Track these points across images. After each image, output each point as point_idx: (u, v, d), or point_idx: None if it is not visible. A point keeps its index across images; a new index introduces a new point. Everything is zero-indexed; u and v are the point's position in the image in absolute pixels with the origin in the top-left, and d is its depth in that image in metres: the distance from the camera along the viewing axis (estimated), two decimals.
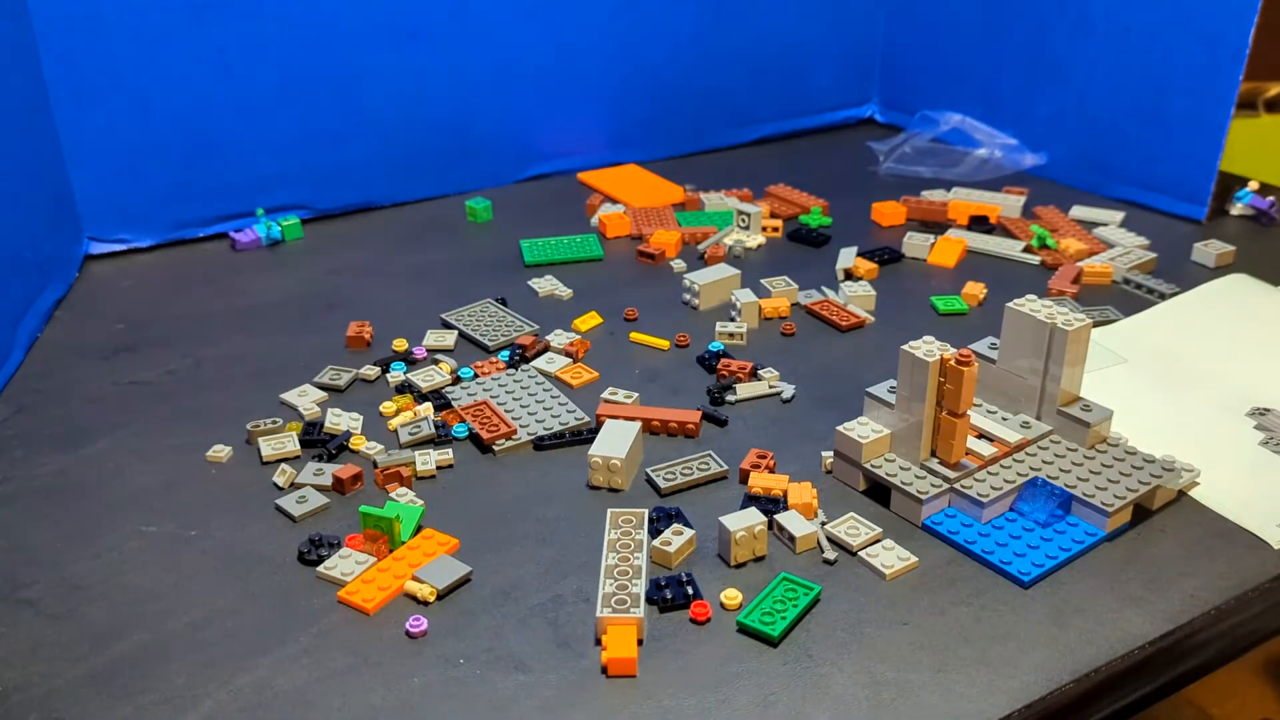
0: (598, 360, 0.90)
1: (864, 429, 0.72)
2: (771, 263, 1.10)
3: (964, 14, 1.39)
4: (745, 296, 0.96)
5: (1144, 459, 0.71)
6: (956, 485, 0.69)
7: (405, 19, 1.18)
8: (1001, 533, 0.68)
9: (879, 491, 0.72)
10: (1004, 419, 0.75)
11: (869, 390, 0.73)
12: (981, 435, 0.73)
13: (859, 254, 1.08)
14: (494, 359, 0.89)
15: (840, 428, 0.73)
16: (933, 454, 0.71)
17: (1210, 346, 0.91)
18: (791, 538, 0.67)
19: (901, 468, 0.71)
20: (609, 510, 0.68)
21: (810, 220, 1.18)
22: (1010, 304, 0.73)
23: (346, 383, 0.86)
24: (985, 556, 0.66)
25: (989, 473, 0.70)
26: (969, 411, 0.70)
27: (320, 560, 0.66)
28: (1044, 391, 0.74)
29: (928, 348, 0.68)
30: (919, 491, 0.69)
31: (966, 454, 0.71)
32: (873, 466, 0.71)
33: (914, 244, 1.10)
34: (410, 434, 0.78)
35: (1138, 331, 0.93)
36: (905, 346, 0.69)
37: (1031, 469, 0.71)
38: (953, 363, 0.67)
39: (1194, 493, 0.72)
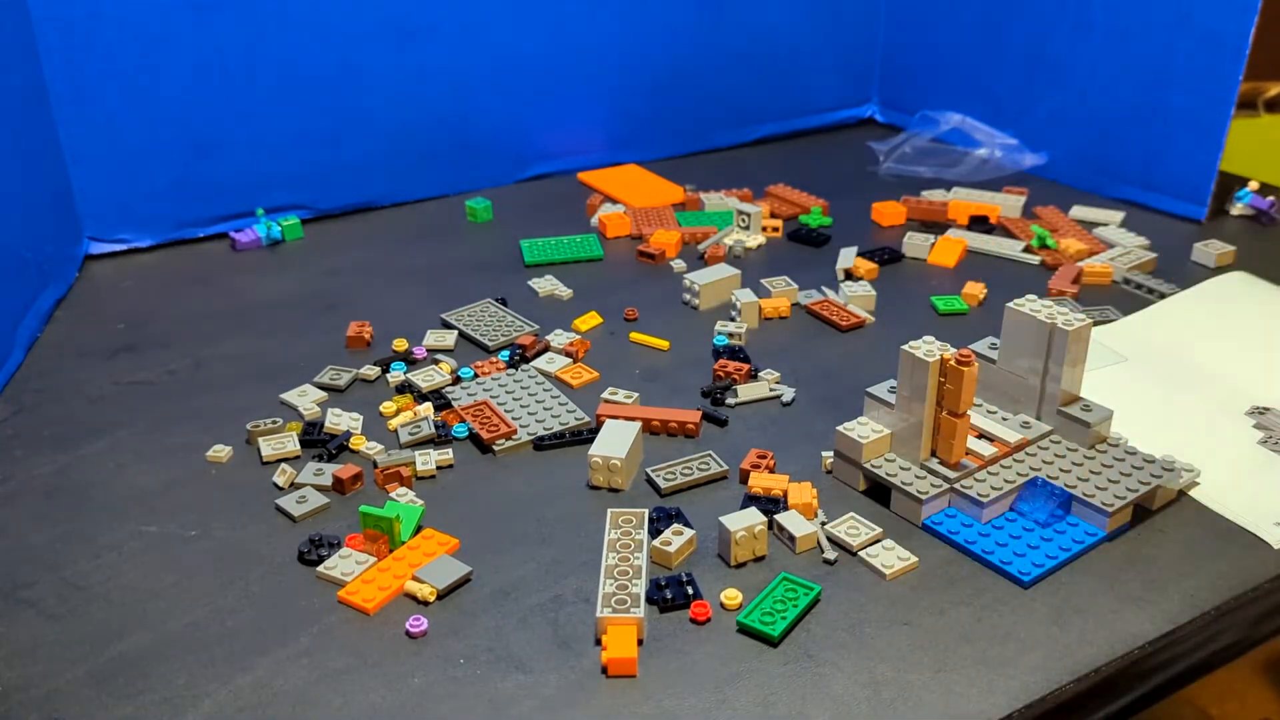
0: (598, 360, 0.90)
1: (864, 429, 0.72)
2: (771, 263, 1.10)
3: (964, 14, 1.39)
4: (745, 296, 0.96)
5: (1144, 459, 0.71)
6: (957, 485, 0.70)
7: (405, 19, 1.18)
8: (1001, 533, 0.68)
9: (879, 491, 0.72)
10: (1004, 419, 0.75)
11: (869, 390, 0.73)
12: (982, 435, 0.73)
13: (859, 254, 1.08)
14: (494, 359, 0.89)
15: (840, 428, 0.73)
16: (933, 454, 0.71)
17: (1210, 345, 0.91)
18: (792, 538, 0.67)
19: (902, 468, 0.71)
20: (609, 510, 0.68)
21: (810, 220, 1.18)
22: (1010, 304, 0.73)
23: (346, 383, 0.86)
24: (985, 556, 0.66)
25: (989, 473, 0.70)
26: (969, 411, 0.70)
27: (320, 560, 0.66)
28: (1044, 391, 0.74)
29: (928, 348, 0.68)
30: (919, 491, 0.69)
31: (966, 454, 0.71)
32: (873, 466, 0.71)
33: (914, 244, 1.10)
34: (410, 434, 0.78)
35: (1137, 330, 0.93)
36: (905, 346, 0.69)
37: (1032, 469, 0.71)
38: (953, 363, 0.67)
39: (1194, 492, 0.72)
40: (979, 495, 0.69)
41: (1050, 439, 0.73)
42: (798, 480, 0.72)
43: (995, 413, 0.75)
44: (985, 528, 0.68)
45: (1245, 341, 0.91)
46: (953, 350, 0.68)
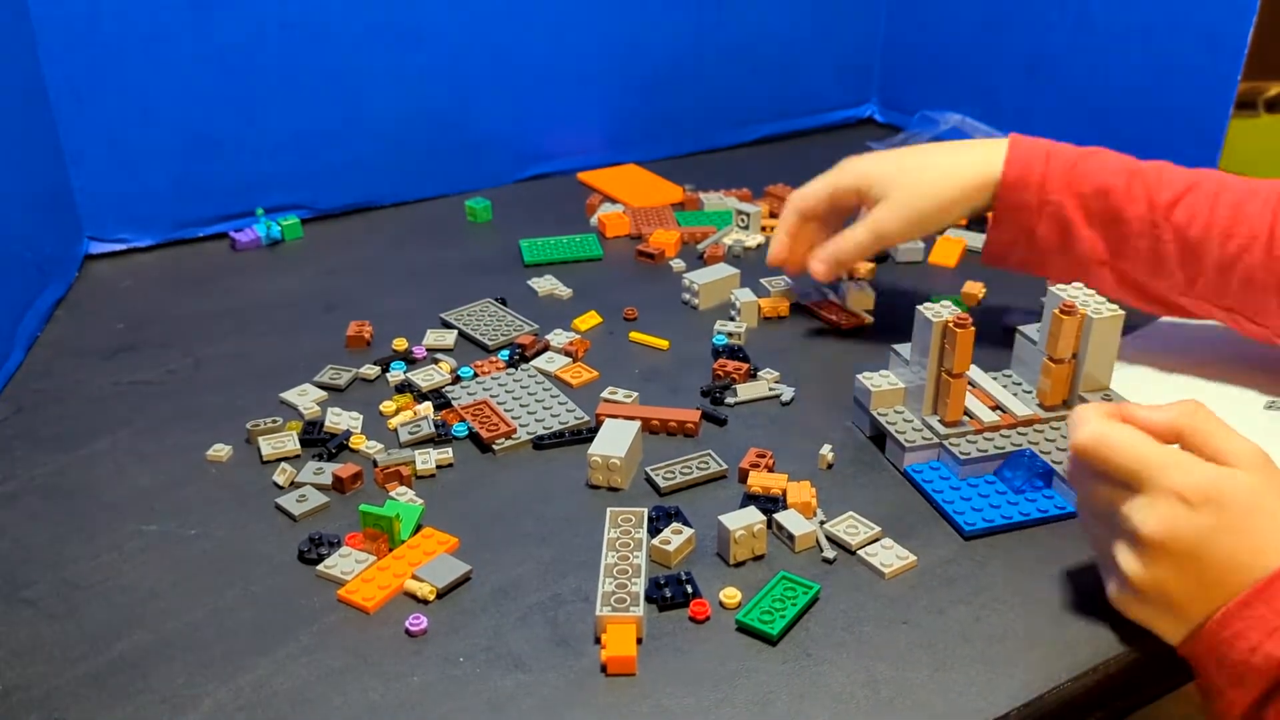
0: (597, 360, 0.90)
1: (879, 379, 0.77)
2: None
3: (964, 14, 1.39)
4: (745, 296, 0.96)
5: None
6: (945, 441, 0.73)
7: (405, 18, 1.18)
8: (972, 490, 0.71)
9: (884, 441, 0.76)
10: (1029, 393, 0.77)
11: (893, 347, 0.78)
12: (996, 407, 0.75)
13: None
14: (494, 358, 0.89)
15: (860, 375, 0.78)
16: (935, 412, 0.75)
17: (1213, 345, 0.91)
18: (791, 536, 0.67)
19: (904, 419, 0.75)
20: (608, 509, 0.68)
21: None
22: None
23: (346, 382, 0.86)
24: (944, 505, 0.69)
25: (984, 437, 0.73)
26: (991, 381, 0.76)
27: (320, 559, 0.66)
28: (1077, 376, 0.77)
29: (938, 309, 0.72)
30: (906, 440, 0.73)
31: (969, 417, 0.74)
32: (878, 414, 0.76)
33: (904, 247, 1.09)
34: (410, 433, 0.78)
35: (1141, 338, 0.93)
36: (920, 306, 0.73)
37: (1029, 442, 0.73)
38: (951, 325, 0.71)
39: None
40: (960, 453, 0.71)
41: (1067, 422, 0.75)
42: (796, 479, 0.72)
43: (1026, 389, 0.78)
44: (959, 483, 0.71)
45: (1248, 340, 0.91)
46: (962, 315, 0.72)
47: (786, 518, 0.68)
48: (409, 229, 1.19)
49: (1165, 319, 0.96)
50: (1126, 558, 0.55)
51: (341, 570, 0.65)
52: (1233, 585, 0.52)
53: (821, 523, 0.69)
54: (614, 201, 1.24)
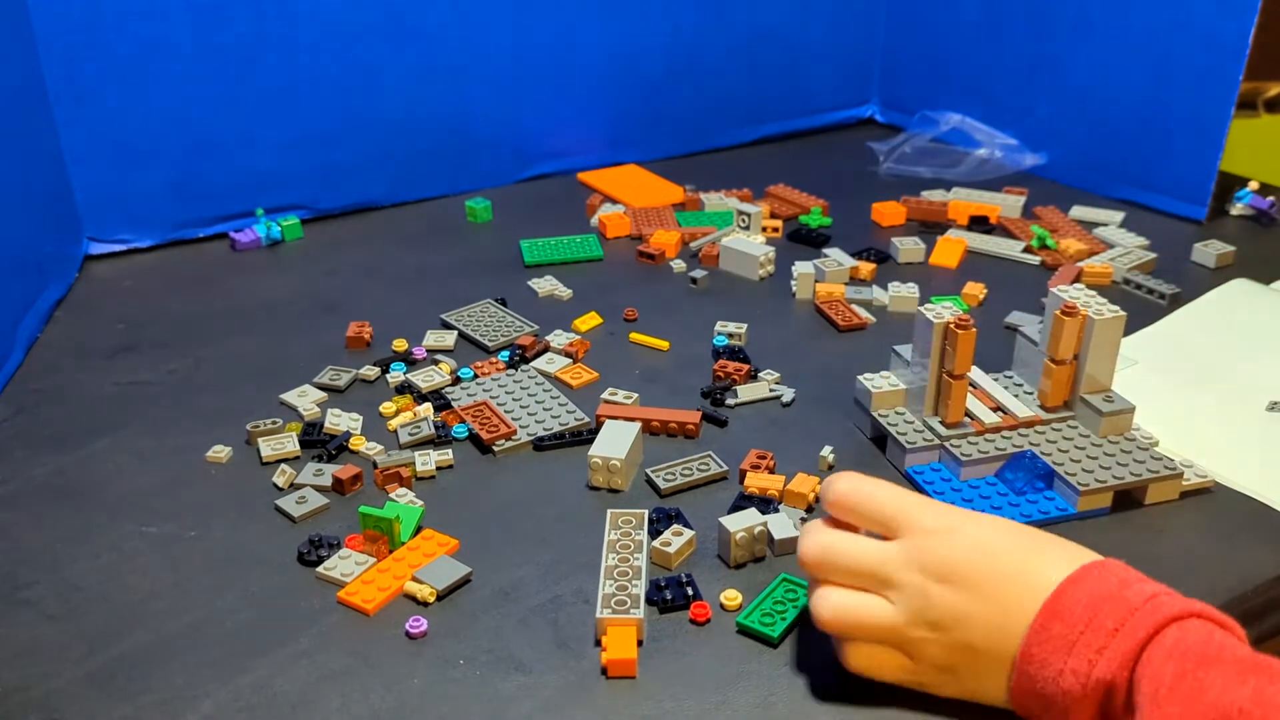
0: (598, 360, 0.90)
1: (880, 380, 0.77)
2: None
3: (964, 14, 1.39)
4: (804, 268, 1.00)
5: (1151, 455, 0.72)
6: (946, 443, 0.73)
7: (405, 18, 1.18)
8: (973, 492, 0.71)
9: (884, 442, 0.76)
10: (1030, 394, 0.77)
11: (895, 348, 0.78)
12: (998, 408, 0.75)
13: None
14: (494, 359, 0.89)
15: (860, 377, 0.78)
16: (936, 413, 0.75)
17: (1220, 349, 0.91)
18: (771, 539, 0.66)
19: (905, 420, 0.75)
20: (609, 511, 0.68)
21: (810, 220, 1.18)
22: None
23: (346, 383, 0.86)
24: None
25: (985, 439, 0.73)
26: (992, 382, 0.76)
27: (320, 561, 0.66)
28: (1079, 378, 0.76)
29: (939, 310, 0.72)
30: (907, 441, 0.73)
31: (970, 418, 0.74)
32: (879, 415, 0.76)
33: (906, 248, 1.09)
34: (410, 434, 0.78)
35: (1144, 339, 0.93)
36: (921, 307, 0.73)
37: (1030, 443, 0.73)
38: (952, 325, 0.71)
39: (1229, 484, 0.73)
40: (962, 455, 0.71)
41: (1069, 423, 0.75)
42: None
43: (1027, 390, 0.78)
44: (960, 485, 0.71)
45: (1257, 343, 0.91)
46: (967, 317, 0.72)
47: (771, 520, 0.67)
48: (409, 229, 1.19)
49: (1167, 319, 0.96)
50: (907, 652, 0.53)
51: (341, 572, 0.64)
52: (1015, 613, 0.50)
53: None
54: (614, 202, 1.24)
